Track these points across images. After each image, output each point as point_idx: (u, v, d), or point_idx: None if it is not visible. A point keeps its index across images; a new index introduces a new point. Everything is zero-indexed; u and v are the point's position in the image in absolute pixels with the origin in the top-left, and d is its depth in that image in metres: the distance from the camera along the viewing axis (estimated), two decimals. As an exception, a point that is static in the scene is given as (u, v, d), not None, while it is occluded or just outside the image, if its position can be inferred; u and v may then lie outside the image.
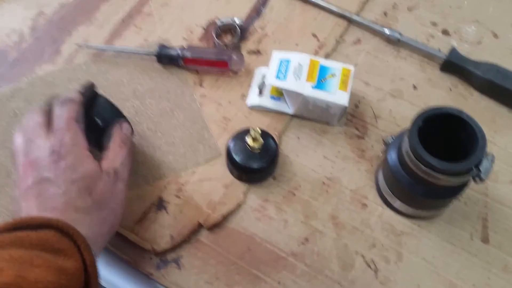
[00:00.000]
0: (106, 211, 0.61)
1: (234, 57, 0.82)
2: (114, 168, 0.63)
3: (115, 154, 0.65)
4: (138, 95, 0.82)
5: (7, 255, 0.47)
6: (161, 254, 0.69)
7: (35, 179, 0.58)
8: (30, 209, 0.57)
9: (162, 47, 0.83)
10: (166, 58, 0.83)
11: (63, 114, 0.63)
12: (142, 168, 0.75)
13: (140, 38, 0.88)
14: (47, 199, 0.57)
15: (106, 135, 0.68)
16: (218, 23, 0.88)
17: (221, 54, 0.83)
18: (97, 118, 0.69)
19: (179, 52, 0.82)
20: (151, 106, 0.81)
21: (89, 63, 0.85)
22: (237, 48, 0.87)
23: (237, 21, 0.88)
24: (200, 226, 0.71)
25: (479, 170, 0.59)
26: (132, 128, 0.72)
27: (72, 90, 0.69)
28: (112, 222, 0.62)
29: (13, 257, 0.47)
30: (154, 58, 0.83)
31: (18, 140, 0.63)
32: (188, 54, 0.82)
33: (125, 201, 0.64)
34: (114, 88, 0.82)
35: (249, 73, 0.84)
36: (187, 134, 0.78)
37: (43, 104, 0.66)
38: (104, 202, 0.60)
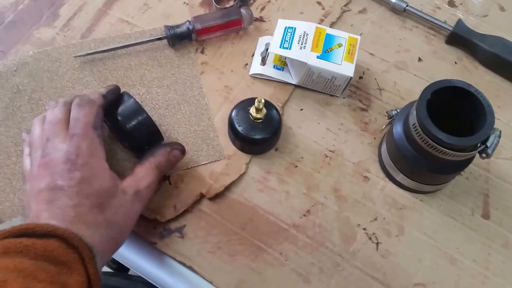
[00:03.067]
0: (116, 230, 0.60)
1: (244, 12, 0.84)
2: (137, 188, 0.63)
3: (145, 174, 0.65)
4: (145, 82, 0.82)
5: (12, 265, 0.48)
6: (165, 224, 0.72)
7: (48, 184, 0.58)
8: (40, 213, 0.56)
9: (169, 28, 0.83)
10: (177, 38, 0.83)
11: (79, 118, 0.63)
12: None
13: (140, 1, 0.90)
14: (58, 208, 0.56)
15: (150, 152, 0.68)
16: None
17: (231, 13, 0.84)
18: (128, 125, 0.68)
19: (189, 26, 0.83)
20: (157, 96, 0.81)
21: (99, 42, 0.85)
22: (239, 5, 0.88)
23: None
24: (202, 196, 0.73)
25: (486, 146, 0.61)
26: (183, 154, 0.72)
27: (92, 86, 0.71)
28: (119, 240, 0.62)
29: (18, 268, 0.48)
30: (165, 41, 0.84)
31: (37, 132, 0.63)
32: (198, 26, 0.83)
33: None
34: (121, 72, 0.82)
35: (252, 42, 0.86)
36: (192, 131, 0.78)
37: (68, 99, 0.66)
38: (116, 221, 0.60)
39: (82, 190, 0.58)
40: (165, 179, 0.74)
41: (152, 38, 0.83)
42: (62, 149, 0.60)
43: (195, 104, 0.80)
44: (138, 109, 0.69)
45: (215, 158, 0.76)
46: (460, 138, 0.60)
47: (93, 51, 0.81)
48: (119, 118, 0.68)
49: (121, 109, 0.68)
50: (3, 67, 0.82)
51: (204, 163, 0.76)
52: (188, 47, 0.85)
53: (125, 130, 0.68)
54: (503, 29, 0.89)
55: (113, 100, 0.69)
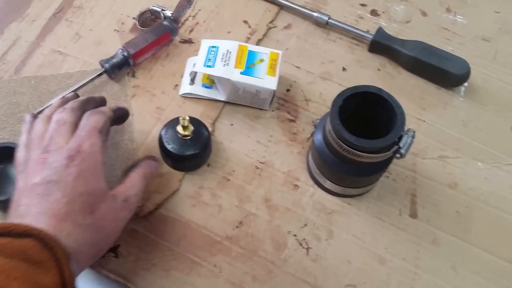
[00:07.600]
0: (101, 235, 0.61)
1: (168, 24, 0.89)
2: (126, 196, 0.64)
3: (134, 183, 0.67)
4: None
5: None
6: (97, 244, 0.74)
7: (44, 178, 0.59)
8: (30, 208, 0.57)
9: (105, 61, 0.85)
10: (116, 68, 0.86)
11: (88, 123, 0.65)
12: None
13: (72, 31, 0.93)
14: (51, 203, 0.57)
15: (132, 164, 0.71)
16: (147, 12, 0.94)
17: (158, 30, 0.88)
18: None
19: (124, 53, 0.85)
20: None
21: (39, 79, 0.86)
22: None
23: (168, 12, 0.91)
24: (135, 215, 0.75)
25: (399, 146, 0.64)
26: (159, 164, 0.74)
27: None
28: (102, 247, 0.63)
29: None
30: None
31: (40, 129, 0.65)
32: (132, 50, 0.85)
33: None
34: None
35: (182, 63, 0.89)
36: (114, 176, 0.78)
37: (75, 105, 0.68)
38: (102, 226, 0.61)
39: (77, 187, 0.59)
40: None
41: (93, 77, 0.85)
42: (63, 147, 0.61)
43: (122, 148, 0.81)
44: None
45: None
46: (371, 141, 0.63)
47: (43, 107, 0.82)
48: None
49: None
50: None
51: None
52: (126, 77, 0.88)
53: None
54: (426, 33, 0.92)
55: (120, 116, 0.74)
